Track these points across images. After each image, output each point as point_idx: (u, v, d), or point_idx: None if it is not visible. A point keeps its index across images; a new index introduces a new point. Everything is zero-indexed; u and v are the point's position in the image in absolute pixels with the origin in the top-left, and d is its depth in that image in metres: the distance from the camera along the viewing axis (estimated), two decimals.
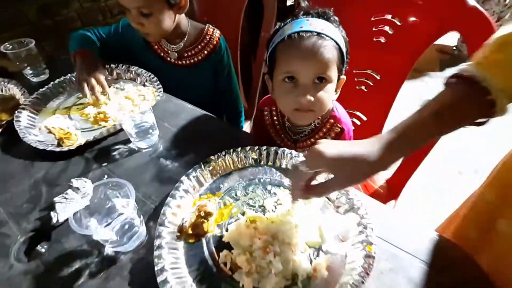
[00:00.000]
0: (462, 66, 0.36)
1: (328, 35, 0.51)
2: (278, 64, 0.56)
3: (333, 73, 0.53)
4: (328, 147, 0.37)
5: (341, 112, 0.66)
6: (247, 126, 1.12)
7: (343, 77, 0.59)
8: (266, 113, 0.70)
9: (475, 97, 0.34)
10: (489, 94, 0.33)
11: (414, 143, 0.36)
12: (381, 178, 0.94)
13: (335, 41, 0.52)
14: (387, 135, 0.37)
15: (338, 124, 0.64)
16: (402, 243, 0.44)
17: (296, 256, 0.42)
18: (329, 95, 0.55)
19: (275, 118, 0.69)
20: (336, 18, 0.56)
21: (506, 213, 0.45)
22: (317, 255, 0.43)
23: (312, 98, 0.53)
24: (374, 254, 0.40)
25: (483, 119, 0.36)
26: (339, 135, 0.65)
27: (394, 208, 0.83)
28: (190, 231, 0.45)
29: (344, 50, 0.54)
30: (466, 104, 0.35)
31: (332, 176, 0.38)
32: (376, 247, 0.41)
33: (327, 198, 0.50)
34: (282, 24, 0.56)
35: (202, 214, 0.47)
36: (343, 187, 0.40)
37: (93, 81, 0.73)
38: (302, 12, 0.56)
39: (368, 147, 0.36)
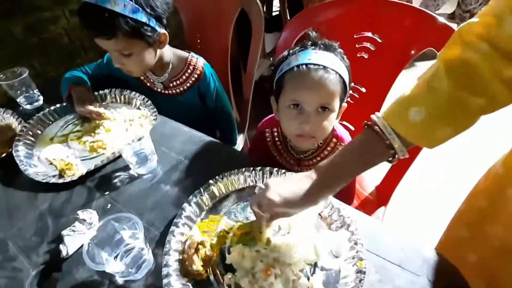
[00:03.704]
0: (374, 115, 0.43)
1: (334, 69, 0.56)
2: (285, 91, 0.59)
3: (335, 103, 0.58)
4: (275, 195, 0.44)
5: (342, 131, 0.71)
6: (240, 139, 1.16)
7: (345, 104, 0.63)
8: (267, 134, 0.73)
9: (383, 149, 0.41)
10: (394, 149, 0.41)
11: (337, 186, 0.44)
12: (370, 185, 0.99)
13: (339, 75, 0.56)
14: (315, 174, 0.45)
15: (342, 143, 0.69)
16: (389, 255, 0.48)
17: (295, 275, 0.46)
18: (330, 123, 0.60)
19: (276, 139, 0.73)
20: (341, 50, 0.60)
21: (497, 219, 0.51)
22: (313, 272, 0.47)
23: (314, 126, 0.57)
24: (365, 268, 0.44)
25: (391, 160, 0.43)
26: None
27: (384, 214, 0.88)
28: (196, 269, 0.46)
29: (347, 82, 0.59)
30: (376, 153, 0.42)
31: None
32: (366, 261, 0.45)
33: (320, 215, 0.54)
34: (291, 52, 0.60)
35: (192, 251, 0.47)
36: (292, 215, 0.47)
37: (86, 110, 0.77)
38: (310, 42, 0.60)
39: (305, 187, 0.44)
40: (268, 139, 0.74)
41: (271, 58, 1.95)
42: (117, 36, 0.68)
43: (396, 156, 0.42)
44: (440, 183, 1.55)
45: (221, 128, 1.04)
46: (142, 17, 0.69)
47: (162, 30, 0.76)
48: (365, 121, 0.44)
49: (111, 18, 0.65)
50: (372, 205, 0.92)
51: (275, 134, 0.73)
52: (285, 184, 0.45)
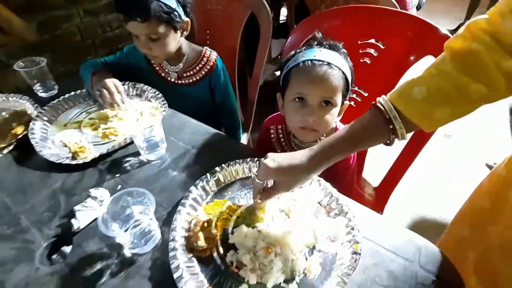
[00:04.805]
0: (381, 97, 0.46)
1: (337, 66, 0.59)
2: (290, 85, 0.63)
3: (338, 98, 0.61)
4: (270, 161, 0.47)
5: None
6: (244, 137, 1.19)
7: (347, 102, 0.66)
8: (272, 131, 0.77)
9: (382, 126, 0.45)
10: (393, 125, 0.44)
11: (333, 156, 0.47)
12: (369, 186, 1.01)
13: (342, 71, 0.60)
14: (315, 147, 0.48)
15: None
16: (384, 242, 0.51)
17: (294, 255, 0.48)
18: (332, 118, 0.63)
19: (280, 135, 0.76)
20: (345, 50, 0.64)
21: (499, 220, 0.53)
22: (312, 254, 0.50)
23: (317, 119, 0.61)
24: (360, 251, 0.47)
25: (389, 141, 0.46)
26: None
27: (382, 214, 0.90)
28: (201, 245, 0.49)
29: (349, 79, 0.62)
30: (375, 130, 0.45)
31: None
32: (362, 245, 0.48)
33: (319, 203, 0.57)
34: (298, 51, 0.64)
35: (198, 228, 0.51)
36: (286, 190, 0.50)
37: (112, 87, 0.80)
38: (316, 42, 0.64)
39: (300, 158, 0.47)
40: (273, 136, 0.77)
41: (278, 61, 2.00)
42: (150, 19, 0.75)
43: (395, 135, 0.45)
44: (435, 185, 1.58)
45: (226, 125, 1.08)
46: (173, 3, 0.78)
47: (186, 18, 0.84)
48: (372, 102, 0.47)
49: (147, 2, 0.73)
50: (371, 206, 0.94)
51: (280, 131, 0.77)
52: (284, 154, 0.49)
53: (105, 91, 0.79)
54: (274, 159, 0.47)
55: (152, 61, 0.94)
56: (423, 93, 0.42)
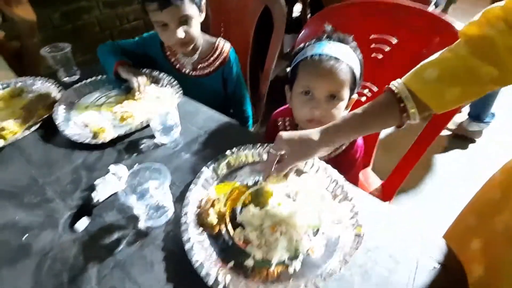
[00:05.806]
0: (395, 81, 0.48)
1: (344, 60, 0.60)
2: (298, 79, 0.65)
3: (345, 92, 0.62)
4: (284, 132, 0.50)
5: None
6: (254, 130, 1.22)
7: (354, 96, 0.67)
8: (280, 123, 0.79)
9: (393, 104, 0.46)
10: (406, 107, 0.45)
11: (343, 132, 0.49)
12: (376, 181, 1.02)
13: (350, 66, 0.61)
14: (329, 123, 0.50)
15: None
16: (387, 227, 0.53)
17: (298, 235, 0.51)
18: (339, 111, 0.64)
19: (288, 127, 0.78)
20: (355, 43, 0.65)
21: (506, 209, 0.53)
22: (316, 235, 0.52)
23: (323, 112, 0.62)
24: (363, 234, 0.49)
25: (401, 123, 0.48)
26: (352, 144, 0.73)
27: None
28: (211, 221, 0.52)
29: (357, 74, 0.63)
30: (386, 109, 0.47)
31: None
32: (365, 228, 0.50)
33: (326, 189, 0.59)
34: (307, 44, 0.65)
35: (208, 206, 0.54)
36: (296, 161, 0.52)
37: (140, 81, 0.86)
38: (325, 35, 0.65)
39: (313, 131, 0.50)
40: (280, 128, 0.79)
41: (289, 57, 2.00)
42: (183, 1, 0.79)
43: (406, 115, 0.46)
44: (437, 182, 1.57)
45: (237, 115, 1.10)
46: None
47: (204, 0, 0.88)
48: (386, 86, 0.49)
49: None
50: None
51: (287, 123, 0.79)
52: (298, 131, 0.51)
53: (140, 81, 0.85)
54: (288, 132, 0.51)
55: (168, 53, 0.98)
56: (435, 74, 0.43)
